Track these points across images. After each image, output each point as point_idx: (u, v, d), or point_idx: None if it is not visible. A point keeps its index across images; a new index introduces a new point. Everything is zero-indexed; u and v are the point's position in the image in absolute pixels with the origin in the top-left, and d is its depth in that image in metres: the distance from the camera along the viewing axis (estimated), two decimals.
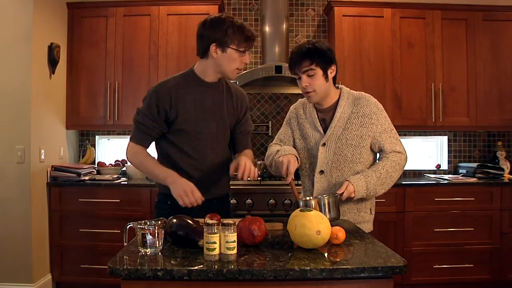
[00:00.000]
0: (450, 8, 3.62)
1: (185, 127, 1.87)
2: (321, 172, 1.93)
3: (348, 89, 2.01)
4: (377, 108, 1.94)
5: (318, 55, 1.84)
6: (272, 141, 2.15)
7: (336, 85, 1.99)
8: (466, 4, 3.63)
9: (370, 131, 1.91)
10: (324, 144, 1.92)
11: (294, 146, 2.05)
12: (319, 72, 1.85)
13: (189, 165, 1.89)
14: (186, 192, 1.70)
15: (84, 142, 3.90)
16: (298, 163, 1.88)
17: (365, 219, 1.98)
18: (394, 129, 1.97)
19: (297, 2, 3.95)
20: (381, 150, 1.94)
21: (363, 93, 2.00)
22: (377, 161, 2.00)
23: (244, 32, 1.78)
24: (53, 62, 3.35)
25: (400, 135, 1.99)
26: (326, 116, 1.97)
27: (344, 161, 1.91)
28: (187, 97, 1.86)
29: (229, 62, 1.81)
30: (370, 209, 2.01)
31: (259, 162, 3.45)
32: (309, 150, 1.98)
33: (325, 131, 1.94)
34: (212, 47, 1.78)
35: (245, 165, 1.78)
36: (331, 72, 1.89)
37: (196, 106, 1.87)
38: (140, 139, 1.88)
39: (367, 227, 1.97)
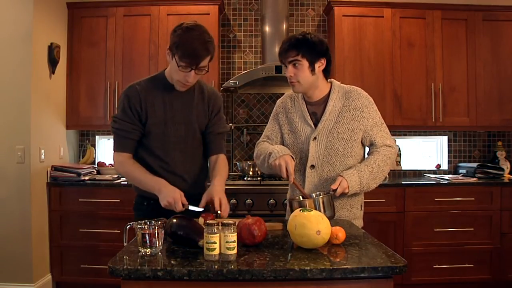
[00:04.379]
0: (450, 8, 3.62)
1: (154, 130, 1.87)
2: (312, 166, 1.93)
3: (339, 82, 2.01)
4: (369, 102, 1.94)
5: (306, 46, 1.84)
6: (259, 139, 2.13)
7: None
8: (466, 4, 3.63)
9: (361, 125, 1.91)
10: (315, 138, 1.91)
11: (282, 142, 2.03)
12: (305, 63, 1.85)
13: (160, 168, 1.89)
14: (170, 203, 1.69)
15: (84, 142, 3.90)
16: (294, 161, 1.87)
17: (356, 216, 1.98)
18: (384, 122, 1.98)
19: (297, 2, 3.95)
20: (372, 144, 1.95)
21: (353, 86, 1.99)
22: (366, 154, 2.00)
23: (187, 48, 1.71)
24: (53, 62, 3.35)
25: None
26: (316, 110, 1.95)
27: (335, 155, 1.91)
28: (156, 100, 1.87)
29: (174, 72, 1.80)
30: (361, 205, 2.01)
31: None
32: (299, 145, 1.96)
33: (315, 125, 1.93)
34: (167, 51, 1.79)
35: (221, 203, 1.72)
36: (319, 66, 1.88)
37: (165, 109, 1.87)
38: (122, 146, 1.87)
39: (358, 223, 1.98)
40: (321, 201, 1.69)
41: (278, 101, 2.11)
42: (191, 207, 1.65)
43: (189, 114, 1.90)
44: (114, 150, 1.89)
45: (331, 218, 1.70)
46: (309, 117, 1.95)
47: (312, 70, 1.86)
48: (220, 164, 1.94)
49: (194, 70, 1.74)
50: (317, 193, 1.84)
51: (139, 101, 1.85)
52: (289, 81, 1.90)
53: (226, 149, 2.14)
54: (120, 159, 1.86)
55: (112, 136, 1.94)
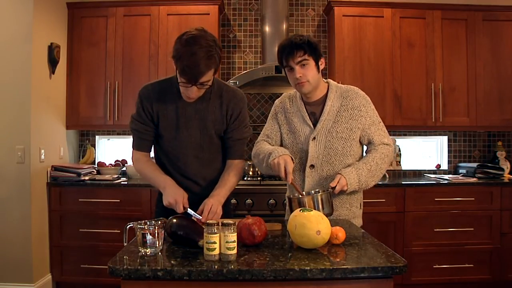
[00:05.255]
0: (450, 8, 3.62)
1: (166, 134, 1.85)
2: (312, 166, 1.94)
3: (336, 82, 2.03)
4: (366, 101, 1.96)
5: (310, 46, 1.85)
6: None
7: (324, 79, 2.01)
8: (466, 4, 3.63)
9: (359, 124, 1.93)
10: (314, 138, 1.92)
11: (282, 141, 2.04)
12: (311, 62, 1.86)
13: (175, 171, 1.88)
14: (171, 204, 1.68)
15: (84, 142, 3.90)
16: (293, 162, 1.87)
17: (356, 214, 1.98)
18: (382, 121, 2.00)
19: (297, 2, 3.95)
20: (369, 143, 1.96)
21: (350, 86, 2.01)
22: (365, 153, 2.01)
23: (184, 65, 1.60)
24: (53, 62, 3.35)
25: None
26: (315, 110, 1.97)
27: (334, 155, 1.92)
28: (168, 104, 1.81)
29: (179, 83, 1.70)
30: (360, 203, 2.02)
31: None
32: (298, 145, 1.97)
33: (314, 125, 1.94)
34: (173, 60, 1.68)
35: (210, 209, 1.68)
36: (321, 64, 1.91)
37: (177, 114, 1.81)
38: (138, 145, 1.89)
39: (358, 222, 1.98)
40: (319, 198, 1.71)
41: (276, 101, 2.11)
42: (189, 211, 1.65)
43: (204, 120, 1.83)
44: (132, 147, 1.92)
45: (329, 215, 1.71)
46: (308, 117, 1.96)
47: (318, 68, 1.89)
48: (230, 172, 1.86)
49: (195, 85, 1.65)
50: (316, 190, 1.85)
51: (151, 102, 1.82)
52: (296, 82, 1.88)
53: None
54: (136, 156, 1.90)
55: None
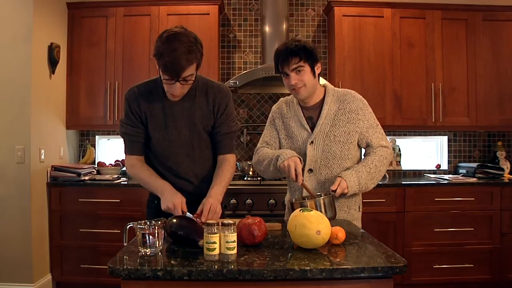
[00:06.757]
0: (450, 8, 3.62)
1: (155, 135, 1.85)
2: (310, 170, 1.93)
3: (333, 86, 2.03)
4: (363, 104, 1.96)
5: (305, 51, 1.84)
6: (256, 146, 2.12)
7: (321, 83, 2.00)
8: (466, 4, 3.64)
9: (357, 127, 1.93)
10: (312, 142, 1.92)
11: (280, 147, 2.04)
12: (307, 68, 1.85)
13: (167, 172, 1.88)
14: (170, 208, 1.68)
15: (84, 142, 3.90)
16: (301, 163, 1.87)
17: (355, 217, 1.98)
18: (379, 124, 2.00)
19: (297, 2, 3.95)
20: (368, 145, 1.96)
21: (347, 89, 2.02)
22: (363, 155, 2.01)
23: (166, 61, 1.60)
24: (53, 62, 3.35)
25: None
26: (312, 114, 1.97)
27: (332, 158, 1.92)
28: (155, 104, 1.82)
29: (162, 82, 1.70)
30: (359, 206, 2.02)
31: None
32: (296, 150, 1.96)
33: (312, 129, 1.94)
34: (154, 58, 1.69)
35: (210, 208, 1.69)
36: (317, 69, 1.90)
37: (164, 113, 1.82)
38: (130, 149, 1.88)
39: (357, 224, 1.97)
40: (322, 202, 1.70)
41: (273, 107, 2.11)
42: (188, 215, 1.65)
43: (192, 118, 1.84)
44: (124, 153, 1.90)
45: (332, 219, 1.70)
46: (305, 122, 1.96)
47: (314, 73, 1.88)
48: (224, 168, 1.87)
49: (179, 81, 1.65)
50: (318, 194, 1.85)
51: (138, 103, 1.82)
52: (293, 88, 1.88)
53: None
54: (130, 162, 1.88)
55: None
